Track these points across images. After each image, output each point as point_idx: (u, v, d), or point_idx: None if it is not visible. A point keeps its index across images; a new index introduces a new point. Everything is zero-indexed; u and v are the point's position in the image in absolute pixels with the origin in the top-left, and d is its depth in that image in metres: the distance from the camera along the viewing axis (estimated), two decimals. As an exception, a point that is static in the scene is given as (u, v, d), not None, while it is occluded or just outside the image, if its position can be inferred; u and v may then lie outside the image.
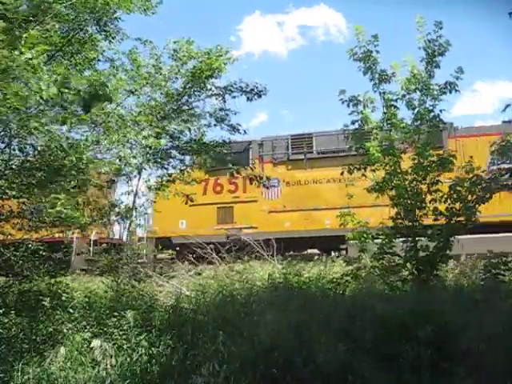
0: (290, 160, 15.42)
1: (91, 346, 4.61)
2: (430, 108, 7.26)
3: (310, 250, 15.02)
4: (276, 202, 15.03)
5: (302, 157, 15.18)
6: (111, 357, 4.48)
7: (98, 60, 6.70)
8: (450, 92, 7.19)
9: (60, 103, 3.93)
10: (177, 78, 8.09)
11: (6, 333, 5.33)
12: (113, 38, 6.21)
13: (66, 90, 3.80)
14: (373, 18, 37.28)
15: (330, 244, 13.93)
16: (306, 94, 47.30)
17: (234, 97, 8.25)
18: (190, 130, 8.15)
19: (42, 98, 3.86)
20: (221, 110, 8.39)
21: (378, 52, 7.39)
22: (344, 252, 14.01)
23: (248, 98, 8.24)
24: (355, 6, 40.03)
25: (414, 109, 7.34)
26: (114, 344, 4.70)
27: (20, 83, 4.09)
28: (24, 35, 4.07)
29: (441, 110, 7.25)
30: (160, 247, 11.72)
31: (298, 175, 15.21)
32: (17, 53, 3.89)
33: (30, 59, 4.02)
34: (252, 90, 8.18)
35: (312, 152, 15.21)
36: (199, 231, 13.60)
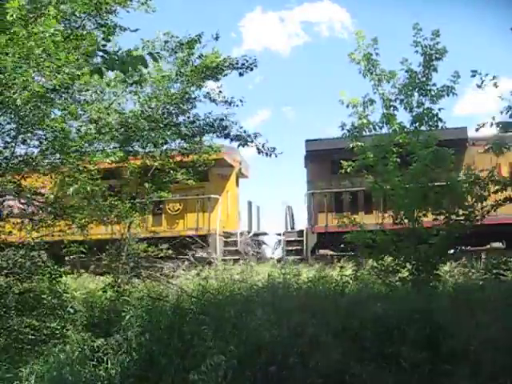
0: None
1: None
2: (429, 110, 7.29)
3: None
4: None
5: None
6: (112, 355, 4.50)
7: (96, 54, 6.69)
8: (448, 95, 7.26)
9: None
10: (178, 79, 8.09)
11: (6, 334, 5.35)
12: (110, 33, 6.22)
13: None
14: (377, 14, 37.20)
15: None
16: (309, 90, 47.11)
17: (226, 74, 8.21)
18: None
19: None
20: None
21: (377, 54, 7.45)
22: None
23: (240, 74, 8.22)
24: (359, 3, 39.94)
25: (412, 110, 7.37)
26: (116, 343, 4.72)
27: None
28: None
29: (439, 109, 7.29)
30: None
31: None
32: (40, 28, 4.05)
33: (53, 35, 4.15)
34: (243, 64, 8.16)
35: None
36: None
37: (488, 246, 12.49)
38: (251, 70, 8.09)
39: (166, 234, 12.33)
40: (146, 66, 3.83)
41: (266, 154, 7.84)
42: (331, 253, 13.00)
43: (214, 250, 12.97)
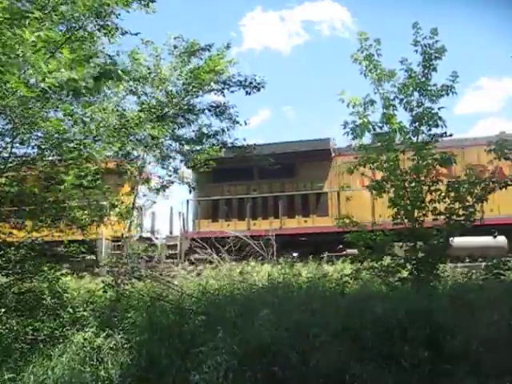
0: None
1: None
2: (429, 110, 7.29)
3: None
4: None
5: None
6: (113, 356, 4.50)
7: (97, 57, 6.70)
8: (447, 94, 7.26)
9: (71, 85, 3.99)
10: (178, 78, 8.07)
11: (7, 334, 5.34)
12: (112, 36, 6.22)
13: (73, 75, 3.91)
14: (377, 13, 37.31)
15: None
16: (309, 90, 47.10)
17: (233, 91, 8.13)
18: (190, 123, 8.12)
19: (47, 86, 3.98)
20: (219, 106, 8.30)
21: (379, 55, 7.45)
22: None
23: (247, 92, 8.11)
24: (360, 3, 40.05)
25: (411, 110, 7.38)
26: (116, 343, 4.72)
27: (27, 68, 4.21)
28: (28, 20, 4.19)
29: (439, 108, 7.28)
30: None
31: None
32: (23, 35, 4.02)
33: (34, 42, 4.11)
34: (250, 83, 8.07)
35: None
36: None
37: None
38: (258, 90, 8.08)
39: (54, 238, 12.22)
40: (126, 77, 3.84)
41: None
42: (202, 257, 13.47)
43: (101, 253, 13.54)
